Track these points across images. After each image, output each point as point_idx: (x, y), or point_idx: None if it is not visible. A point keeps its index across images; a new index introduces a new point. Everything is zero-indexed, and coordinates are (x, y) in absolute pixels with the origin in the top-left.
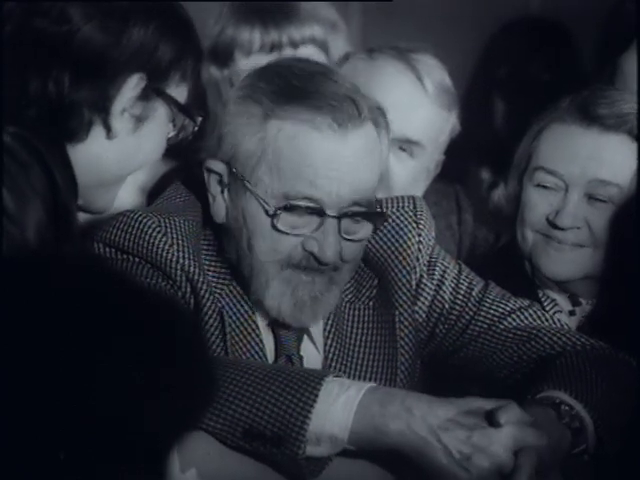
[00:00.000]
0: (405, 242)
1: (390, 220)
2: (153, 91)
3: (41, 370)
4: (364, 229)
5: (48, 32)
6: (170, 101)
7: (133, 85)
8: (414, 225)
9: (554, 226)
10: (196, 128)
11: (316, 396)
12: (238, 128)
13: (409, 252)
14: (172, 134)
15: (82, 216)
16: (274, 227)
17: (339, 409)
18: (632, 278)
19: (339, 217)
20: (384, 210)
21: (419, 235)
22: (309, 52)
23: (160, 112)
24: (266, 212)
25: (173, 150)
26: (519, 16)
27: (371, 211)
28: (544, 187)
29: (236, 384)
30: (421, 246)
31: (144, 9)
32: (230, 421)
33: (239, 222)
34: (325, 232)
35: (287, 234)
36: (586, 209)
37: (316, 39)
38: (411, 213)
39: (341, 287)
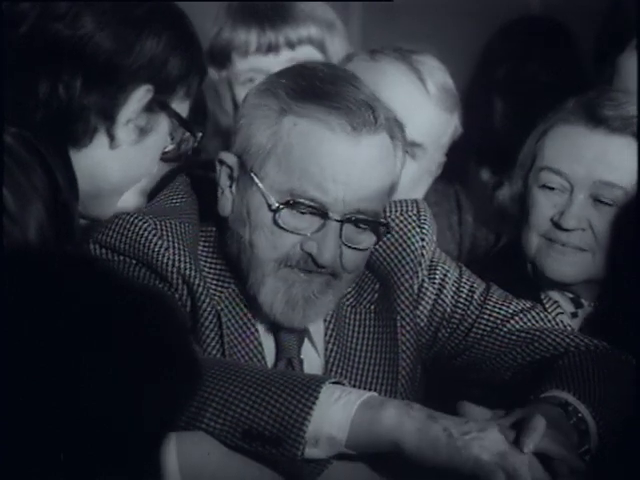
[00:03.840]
0: (409, 247)
1: (394, 224)
2: (158, 104)
3: (39, 369)
4: (367, 239)
5: (62, 36)
6: (174, 115)
7: (141, 96)
8: (418, 230)
9: (558, 227)
10: (196, 144)
11: (316, 398)
12: (253, 120)
13: (412, 257)
14: (170, 147)
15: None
16: (275, 223)
17: (339, 411)
18: (634, 282)
19: (341, 221)
20: (387, 216)
21: (422, 240)
22: (306, 52)
23: (163, 126)
24: (269, 207)
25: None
26: (519, 16)
27: (375, 220)
28: (549, 188)
29: (237, 385)
30: (424, 251)
31: (158, 21)
32: (230, 421)
33: (243, 216)
34: (325, 234)
35: (288, 232)
36: (590, 211)
37: (313, 39)
38: (415, 217)
39: (338, 295)
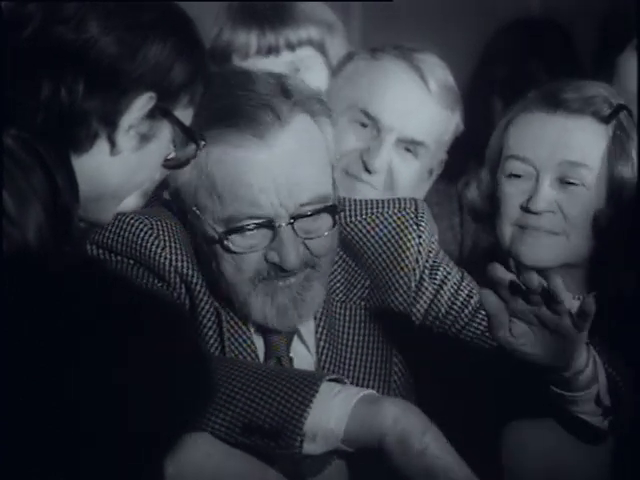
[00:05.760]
0: (405, 244)
1: (391, 221)
2: (161, 111)
3: (38, 371)
4: (324, 224)
5: (66, 39)
6: (176, 123)
7: (143, 103)
8: (415, 227)
9: (528, 211)
10: (199, 151)
11: (316, 392)
12: None
13: (408, 254)
14: (173, 155)
15: None
16: (229, 250)
17: (337, 404)
18: (610, 267)
19: (290, 224)
20: (385, 212)
21: (419, 237)
22: (306, 54)
23: (165, 133)
24: (218, 236)
25: None
26: (519, 16)
27: (323, 206)
28: (515, 176)
29: (238, 381)
30: (421, 248)
31: (163, 27)
32: (231, 417)
33: (204, 248)
34: (281, 242)
35: (245, 253)
36: (559, 194)
37: (313, 41)
38: (412, 215)
39: (323, 281)
